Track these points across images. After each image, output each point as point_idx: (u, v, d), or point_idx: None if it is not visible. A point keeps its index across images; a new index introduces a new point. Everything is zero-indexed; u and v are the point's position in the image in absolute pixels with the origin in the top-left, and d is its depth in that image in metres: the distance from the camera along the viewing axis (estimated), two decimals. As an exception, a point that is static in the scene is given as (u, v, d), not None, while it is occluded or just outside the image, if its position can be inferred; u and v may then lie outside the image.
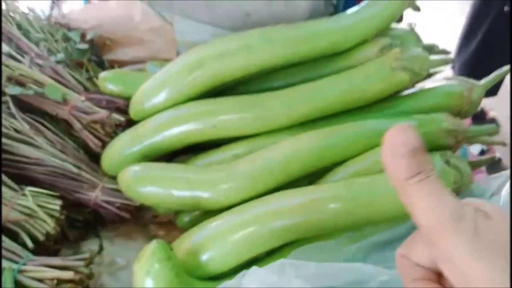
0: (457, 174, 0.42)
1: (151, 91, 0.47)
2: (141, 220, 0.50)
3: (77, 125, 0.46)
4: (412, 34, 0.55)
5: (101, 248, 0.46)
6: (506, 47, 1.19)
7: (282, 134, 0.45)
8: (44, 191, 0.42)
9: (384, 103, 0.48)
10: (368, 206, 0.37)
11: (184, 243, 0.39)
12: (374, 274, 0.33)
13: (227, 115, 0.45)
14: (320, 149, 0.41)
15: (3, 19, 0.52)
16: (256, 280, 0.30)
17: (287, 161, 0.41)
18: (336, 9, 0.69)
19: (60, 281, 0.37)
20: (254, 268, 0.32)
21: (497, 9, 1.21)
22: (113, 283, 0.44)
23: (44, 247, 0.43)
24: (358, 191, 0.38)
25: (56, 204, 0.43)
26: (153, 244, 0.35)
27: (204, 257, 0.38)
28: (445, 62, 0.51)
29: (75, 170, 0.45)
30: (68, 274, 0.37)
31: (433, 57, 0.49)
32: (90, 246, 0.46)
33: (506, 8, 1.18)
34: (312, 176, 0.43)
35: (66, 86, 0.48)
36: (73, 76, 0.51)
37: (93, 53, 0.59)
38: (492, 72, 0.50)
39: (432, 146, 0.45)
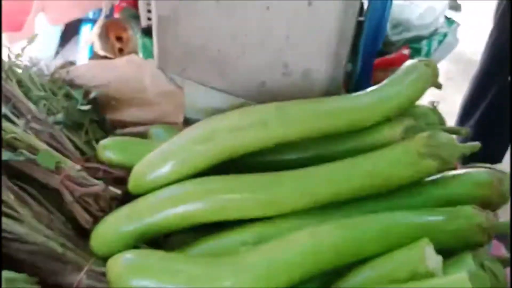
0: (492, 278, 0.38)
1: (156, 162, 0.43)
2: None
3: (68, 197, 0.41)
4: (434, 114, 0.52)
5: None
6: (508, 121, 1.17)
7: (296, 219, 0.41)
8: (20, 276, 0.37)
9: (408, 189, 0.44)
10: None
11: None
12: None
13: (237, 195, 0.41)
14: (340, 245, 0.37)
15: (3, 75, 0.49)
16: None
17: (304, 258, 0.36)
18: (351, 78, 0.68)
19: None
20: None
21: (499, 83, 1.20)
22: None
23: None
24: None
25: (32, 291, 0.37)
26: None
27: None
28: (473, 148, 0.47)
29: (60, 249, 0.40)
30: None
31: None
32: None
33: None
34: (329, 275, 0.38)
35: (61, 153, 0.44)
36: (70, 140, 0.47)
37: (95, 112, 0.56)
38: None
39: (462, 244, 0.40)
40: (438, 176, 0.46)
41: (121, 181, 0.44)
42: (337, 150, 0.45)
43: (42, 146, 0.43)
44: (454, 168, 0.47)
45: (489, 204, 0.45)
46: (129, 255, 0.37)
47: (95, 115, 0.55)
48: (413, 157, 0.41)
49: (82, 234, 0.43)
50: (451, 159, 0.42)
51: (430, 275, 0.34)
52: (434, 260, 0.35)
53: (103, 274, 0.40)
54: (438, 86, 0.51)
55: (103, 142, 0.45)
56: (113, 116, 0.57)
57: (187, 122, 0.56)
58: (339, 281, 0.37)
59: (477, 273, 0.36)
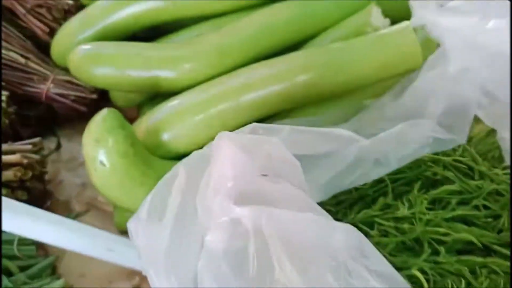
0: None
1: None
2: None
3: (20, 10, 0.41)
4: None
5: (58, 145, 0.42)
6: None
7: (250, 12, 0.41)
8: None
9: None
10: (344, 71, 0.34)
11: (144, 123, 0.35)
12: (353, 139, 0.29)
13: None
14: (295, 20, 0.37)
15: None
16: (227, 141, 0.26)
17: (258, 34, 0.37)
18: None
19: (7, 166, 0.34)
20: (223, 132, 0.28)
21: None
22: (73, 178, 0.40)
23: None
24: (332, 56, 0.34)
25: (3, 95, 0.38)
26: (103, 112, 0.31)
27: (166, 136, 0.34)
28: None
29: (22, 60, 0.41)
30: (15, 158, 0.34)
31: None
32: (47, 144, 0.43)
33: None
34: (287, 52, 0.39)
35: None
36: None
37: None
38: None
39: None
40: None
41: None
42: None
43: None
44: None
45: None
46: (86, 46, 0.37)
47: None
48: None
49: (43, 50, 0.44)
50: None
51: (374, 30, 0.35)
52: (380, 20, 0.36)
53: (69, 82, 0.42)
54: None
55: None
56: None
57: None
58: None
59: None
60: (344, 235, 0.18)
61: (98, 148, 0.30)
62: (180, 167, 0.25)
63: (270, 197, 0.21)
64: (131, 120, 0.37)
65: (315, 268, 0.19)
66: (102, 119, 0.31)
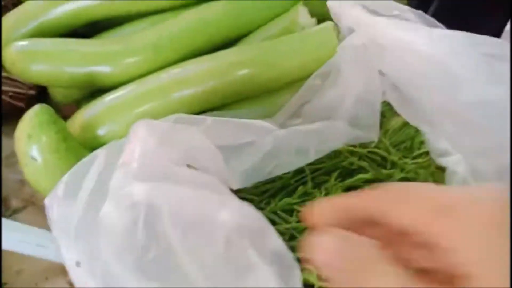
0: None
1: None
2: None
3: (-48, 5, 0.40)
4: None
5: (-3, 142, 0.42)
6: None
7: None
8: None
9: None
10: (272, 68, 0.36)
11: (78, 119, 0.36)
12: (270, 129, 0.31)
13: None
14: (226, 18, 0.39)
15: None
16: (146, 128, 0.26)
17: (191, 31, 0.38)
18: None
19: None
20: (143, 120, 0.28)
21: None
22: (11, 175, 0.40)
23: None
24: (263, 52, 0.36)
25: None
26: (35, 107, 0.31)
27: (101, 131, 0.35)
28: None
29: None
30: None
31: None
32: (-15, 141, 0.42)
33: None
34: (221, 49, 0.40)
35: None
36: None
37: None
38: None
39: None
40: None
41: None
42: None
43: None
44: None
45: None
46: (21, 42, 0.37)
47: None
48: None
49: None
50: None
51: (302, 29, 0.38)
52: (307, 19, 0.38)
53: (7, 78, 0.42)
54: None
55: None
56: None
57: None
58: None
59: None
60: (232, 213, 0.20)
61: (30, 143, 0.31)
62: (101, 151, 0.26)
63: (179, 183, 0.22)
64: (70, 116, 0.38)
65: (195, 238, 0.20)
66: (34, 114, 0.31)
